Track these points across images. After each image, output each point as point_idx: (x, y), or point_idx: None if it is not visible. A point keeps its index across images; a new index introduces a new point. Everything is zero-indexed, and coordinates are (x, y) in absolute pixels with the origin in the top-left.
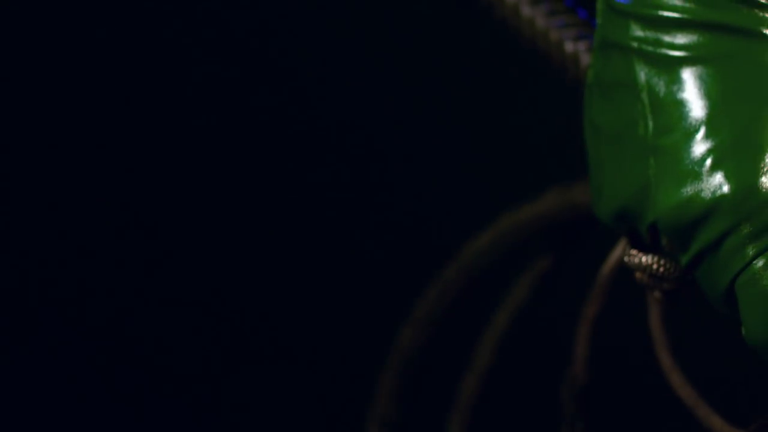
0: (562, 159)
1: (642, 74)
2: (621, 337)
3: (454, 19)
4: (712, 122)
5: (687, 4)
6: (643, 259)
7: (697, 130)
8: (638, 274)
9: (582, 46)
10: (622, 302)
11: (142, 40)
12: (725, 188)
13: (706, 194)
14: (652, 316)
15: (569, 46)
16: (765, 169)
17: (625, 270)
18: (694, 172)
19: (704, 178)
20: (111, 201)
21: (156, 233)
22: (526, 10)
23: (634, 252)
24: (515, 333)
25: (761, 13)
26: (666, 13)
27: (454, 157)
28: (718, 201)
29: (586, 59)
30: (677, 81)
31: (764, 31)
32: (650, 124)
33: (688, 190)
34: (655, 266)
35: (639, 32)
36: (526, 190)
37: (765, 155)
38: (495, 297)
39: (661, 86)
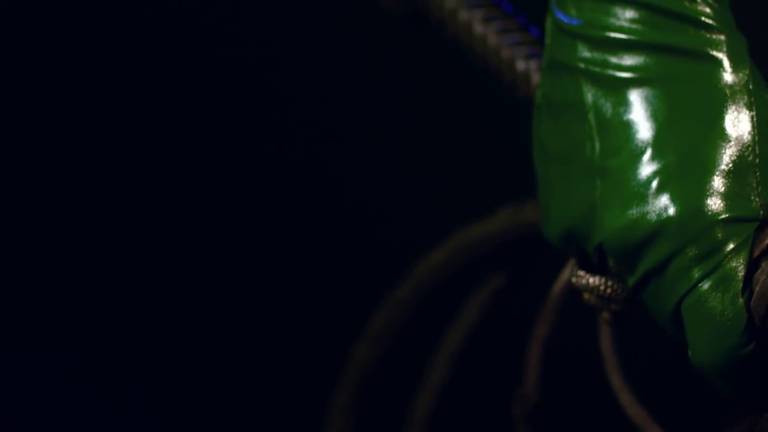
0: (514, 177)
1: (589, 95)
2: (572, 355)
3: (406, 36)
4: (658, 144)
5: (634, 26)
6: (591, 280)
7: (643, 152)
8: (586, 295)
9: (533, 64)
10: (573, 321)
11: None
12: (671, 210)
13: (652, 216)
14: (602, 335)
15: (521, 65)
16: (711, 191)
17: (575, 290)
18: (640, 194)
19: (650, 200)
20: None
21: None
22: (478, 28)
23: (581, 273)
24: (469, 350)
25: (709, 35)
26: (613, 35)
27: (406, 174)
28: (664, 223)
29: (537, 77)
30: (624, 102)
31: (711, 53)
32: (597, 145)
33: (634, 212)
34: (602, 288)
35: (586, 53)
36: (479, 207)
37: (711, 177)
38: (449, 314)
39: (608, 107)
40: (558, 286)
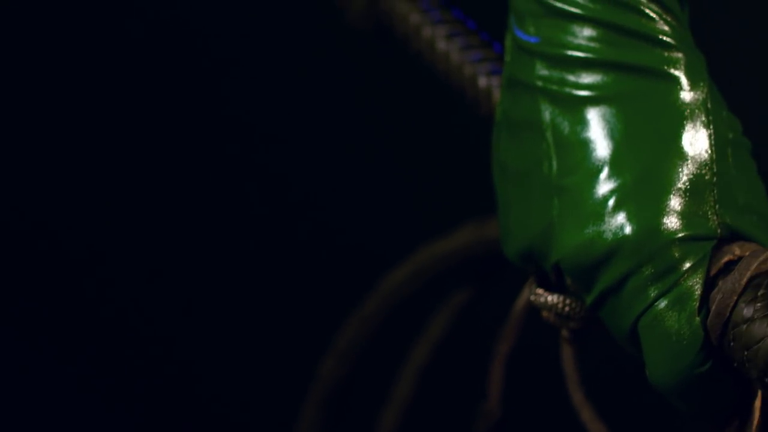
0: (478, 192)
1: (547, 113)
2: (535, 371)
3: (370, 51)
4: (615, 162)
5: (593, 44)
6: (549, 298)
7: (600, 171)
8: (545, 313)
9: (495, 81)
10: (536, 337)
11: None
12: (627, 229)
13: (608, 235)
14: (564, 352)
15: (482, 81)
16: (668, 210)
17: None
18: (596, 212)
19: (606, 219)
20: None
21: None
22: (441, 44)
23: (540, 291)
24: (434, 365)
25: (667, 53)
26: (572, 53)
27: (370, 189)
28: (620, 242)
29: (498, 94)
30: (581, 121)
31: (669, 71)
32: (554, 163)
33: (590, 231)
34: (560, 306)
35: (544, 71)
36: (444, 223)
37: (668, 196)
38: (415, 329)
39: (565, 126)
40: (520, 302)
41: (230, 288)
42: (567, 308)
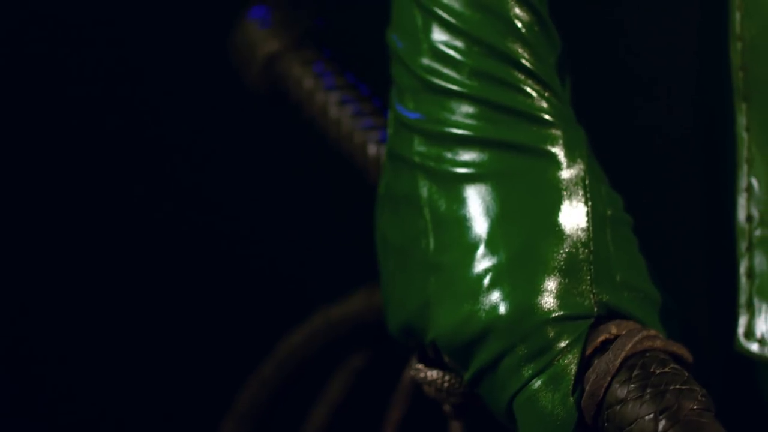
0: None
1: (425, 190)
2: None
3: (264, 117)
4: (490, 241)
5: (471, 121)
6: (429, 374)
7: (476, 249)
8: (426, 388)
9: (384, 149)
10: (427, 403)
11: None
12: (501, 309)
13: (482, 314)
14: (451, 427)
15: (372, 149)
16: (543, 289)
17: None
18: (471, 291)
19: (481, 298)
20: None
21: None
22: (333, 111)
23: (420, 367)
24: (332, 428)
25: (545, 130)
26: (450, 130)
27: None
28: (494, 321)
29: None
30: (458, 198)
31: (547, 148)
32: (431, 240)
33: (465, 310)
34: (440, 382)
35: (422, 147)
36: (339, 288)
37: (543, 275)
38: (314, 392)
39: (442, 203)
40: (408, 372)
41: (133, 345)
42: (446, 384)
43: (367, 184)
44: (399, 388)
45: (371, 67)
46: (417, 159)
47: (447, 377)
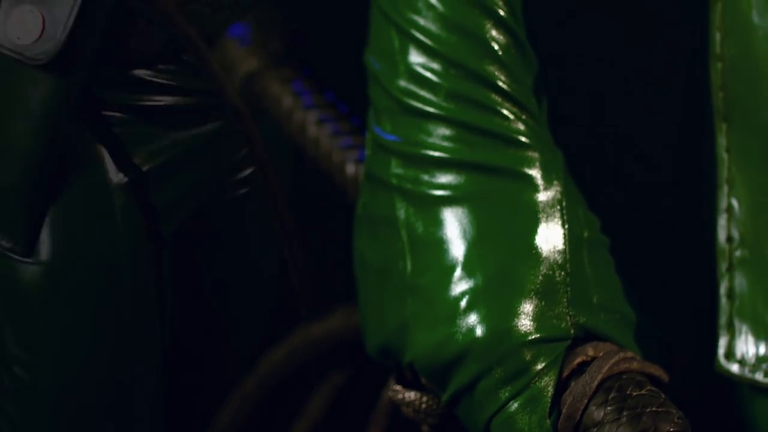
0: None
1: (402, 212)
2: None
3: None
4: (467, 263)
5: (447, 144)
6: (407, 395)
7: (453, 271)
8: (404, 409)
9: (362, 169)
10: (406, 422)
11: None
12: (478, 331)
13: (459, 337)
14: None
15: (350, 168)
16: (519, 312)
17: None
18: (448, 314)
19: (458, 320)
20: None
21: None
22: (312, 130)
23: (398, 388)
24: None
25: (522, 152)
26: (427, 152)
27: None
28: (471, 344)
29: None
30: (435, 220)
31: (524, 170)
32: (408, 262)
33: (442, 332)
34: (417, 403)
35: (399, 169)
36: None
37: (520, 297)
38: (294, 408)
39: (419, 225)
40: (387, 392)
41: None
42: (424, 405)
43: (346, 202)
44: (378, 408)
45: (351, 85)
46: (394, 181)
47: (425, 398)
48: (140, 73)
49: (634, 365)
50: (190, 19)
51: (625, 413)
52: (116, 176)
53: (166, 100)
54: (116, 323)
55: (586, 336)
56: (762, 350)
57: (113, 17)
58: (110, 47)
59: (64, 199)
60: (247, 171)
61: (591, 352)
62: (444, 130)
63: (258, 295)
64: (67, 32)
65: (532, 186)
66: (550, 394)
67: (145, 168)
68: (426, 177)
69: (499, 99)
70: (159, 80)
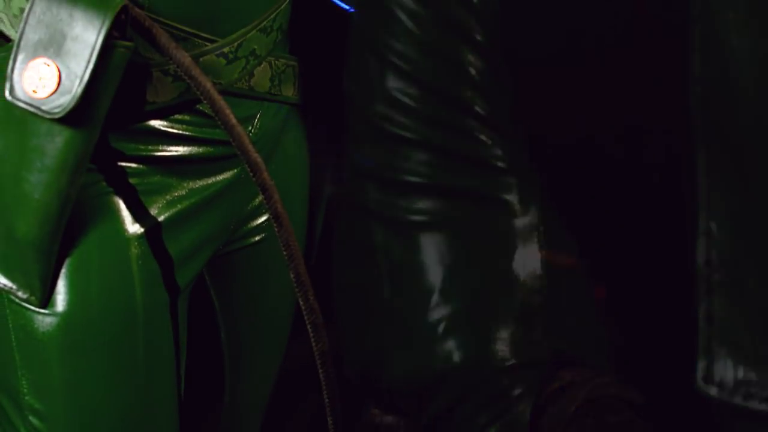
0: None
1: (380, 236)
2: None
3: None
4: (444, 289)
5: (425, 169)
6: (384, 419)
7: (429, 297)
8: None
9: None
10: None
11: None
12: (455, 357)
13: (436, 363)
14: None
15: (328, 190)
16: (496, 338)
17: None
18: (425, 339)
19: (435, 346)
20: None
21: None
22: None
23: (375, 412)
24: None
25: (500, 177)
26: (404, 177)
27: None
28: (448, 370)
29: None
30: (413, 246)
31: (502, 196)
32: (386, 287)
33: (419, 357)
34: (395, 427)
35: (377, 194)
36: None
37: (497, 323)
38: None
39: (396, 250)
40: (365, 416)
41: None
42: (402, 429)
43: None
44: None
45: (329, 107)
46: (372, 206)
47: (403, 423)
48: (156, 123)
49: (611, 390)
50: (206, 71)
51: None
52: (132, 226)
53: (181, 150)
54: (131, 374)
55: (563, 361)
56: (740, 374)
57: (129, 69)
58: (126, 98)
59: (80, 250)
60: (262, 219)
61: (568, 377)
62: (421, 155)
63: (273, 343)
64: (84, 85)
65: (509, 211)
66: (527, 419)
67: (161, 218)
68: (403, 202)
69: (476, 124)
70: (174, 130)
